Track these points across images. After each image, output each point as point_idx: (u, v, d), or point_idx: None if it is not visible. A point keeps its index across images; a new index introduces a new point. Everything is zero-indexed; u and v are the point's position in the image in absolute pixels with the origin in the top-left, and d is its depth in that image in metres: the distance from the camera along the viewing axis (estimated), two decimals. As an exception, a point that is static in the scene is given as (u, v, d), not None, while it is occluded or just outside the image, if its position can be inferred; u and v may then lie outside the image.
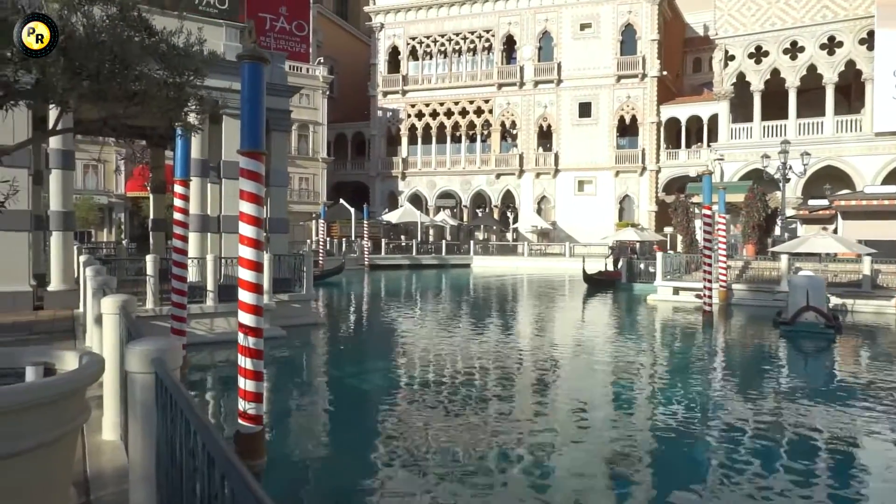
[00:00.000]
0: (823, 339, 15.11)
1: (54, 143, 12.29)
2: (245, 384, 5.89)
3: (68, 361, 3.23)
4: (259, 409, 5.96)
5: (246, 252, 5.86)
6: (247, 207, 5.83)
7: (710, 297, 17.97)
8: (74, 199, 18.47)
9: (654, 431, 8.69)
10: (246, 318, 5.91)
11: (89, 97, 3.01)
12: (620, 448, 8.00)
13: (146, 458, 2.68)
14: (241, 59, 5.68)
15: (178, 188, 10.13)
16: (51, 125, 12.42)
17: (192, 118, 4.82)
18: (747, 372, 12.88)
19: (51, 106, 11.63)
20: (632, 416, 9.46)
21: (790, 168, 23.86)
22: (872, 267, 19.48)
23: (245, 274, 5.87)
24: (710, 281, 18.05)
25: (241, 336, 5.92)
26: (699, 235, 28.78)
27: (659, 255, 23.08)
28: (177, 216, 10.18)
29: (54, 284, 12.47)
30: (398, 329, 18.20)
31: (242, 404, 5.91)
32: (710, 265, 18.12)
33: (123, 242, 28.08)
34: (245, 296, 5.89)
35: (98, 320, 6.52)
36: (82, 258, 11.79)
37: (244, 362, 5.91)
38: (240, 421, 5.94)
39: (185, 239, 10.27)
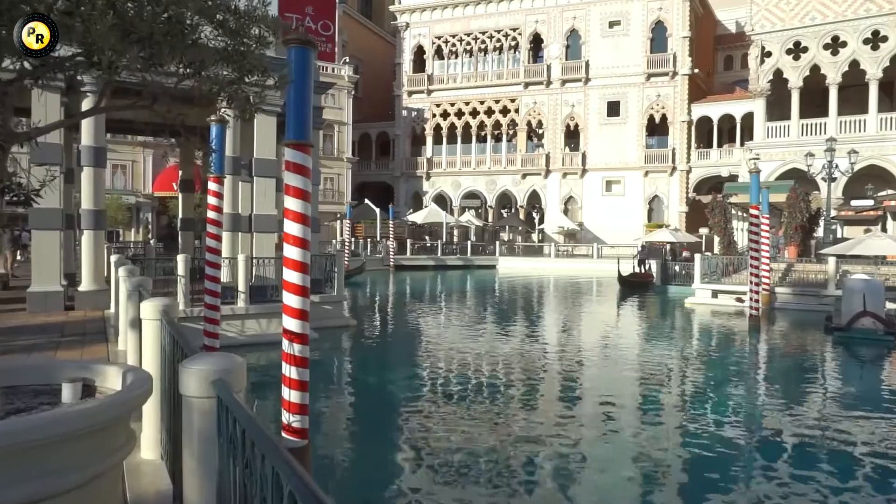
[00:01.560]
0: (882, 346, 14.28)
1: (86, 139, 12.06)
2: (290, 395, 5.43)
3: (110, 378, 2.80)
4: (304, 422, 5.49)
5: (292, 252, 5.40)
6: (293, 204, 5.38)
7: (757, 300, 17.19)
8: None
9: (708, 445, 8.08)
10: (291, 324, 5.45)
11: (141, 64, 2.61)
12: (670, 465, 7.43)
13: (204, 500, 2.22)
14: (288, 43, 5.25)
15: (212, 185, 9.76)
16: (83, 121, 12.20)
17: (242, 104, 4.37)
18: (802, 381, 12.16)
19: (87, 85, 11.36)
20: (685, 429, 8.84)
21: (836, 167, 22.88)
22: (928, 270, 18.53)
23: (291, 276, 5.42)
24: (757, 284, 17.27)
25: (285, 343, 5.47)
26: (737, 237, 28.00)
27: (697, 256, 22.29)
28: (211, 214, 9.81)
29: (85, 284, 12.24)
30: (429, 332, 17.75)
31: (287, 416, 5.45)
32: (757, 267, 17.33)
33: (151, 242, 28.08)
34: (290, 299, 5.44)
35: (134, 324, 6.15)
36: (113, 258, 11.52)
37: (289, 371, 5.45)
38: (283, 434, 5.49)
39: (218, 238, 9.91)
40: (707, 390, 11.05)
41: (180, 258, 12.12)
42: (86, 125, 12.02)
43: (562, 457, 7.64)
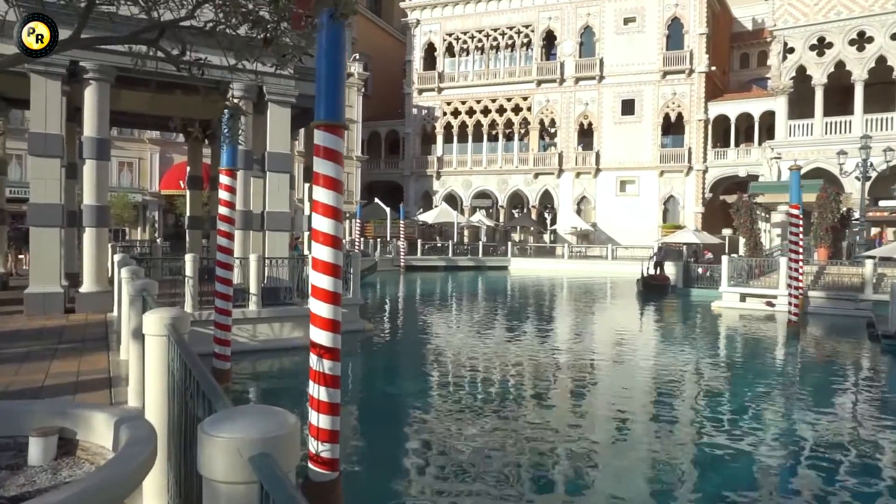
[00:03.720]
0: (935, 355, 13.39)
1: (89, 130, 11.30)
2: (318, 420, 4.64)
3: (97, 429, 1.99)
4: (335, 451, 4.70)
5: (322, 252, 4.61)
6: (323, 195, 4.59)
7: (797, 305, 16.26)
8: (109, 196, 17.68)
9: (758, 461, 7.25)
10: (320, 336, 4.66)
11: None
12: (726, 485, 6.59)
13: None
14: (320, 4, 4.47)
15: (223, 179, 8.97)
16: (85, 110, 11.43)
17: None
18: (857, 395, 11.27)
19: (89, 72, 10.52)
20: (734, 444, 7.99)
21: (871, 165, 21.93)
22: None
23: (320, 280, 4.62)
24: (798, 288, 16.34)
25: (313, 359, 4.68)
26: (764, 238, 27.09)
27: (725, 258, 21.38)
28: (222, 210, 9.02)
29: (87, 285, 11.47)
30: (446, 337, 16.91)
31: (314, 445, 4.66)
32: (797, 270, 16.41)
33: (158, 241, 27.42)
34: (319, 307, 4.64)
35: (137, 333, 5.35)
36: (117, 257, 10.76)
37: (317, 392, 4.66)
38: (311, 466, 4.70)
39: (231, 236, 9.13)
40: (756, 403, 10.19)
41: (188, 258, 11.35)
42: (89, 115, 11.26)
43: (608, 479, 6.82)
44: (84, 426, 1.98)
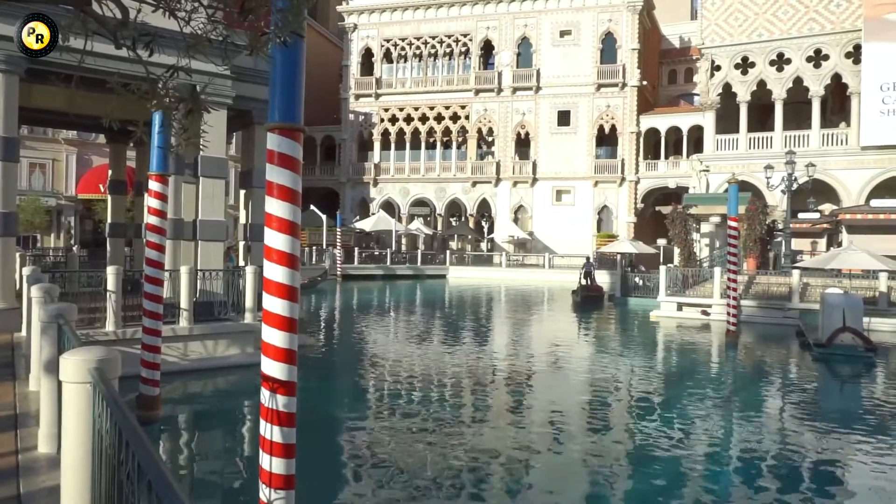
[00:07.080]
0: (862, 362, 13.96)
1: (-7, 128, 10.11)
2: (271, 464, 4.04)
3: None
4: (290, 499, 4.12)
5: (275, 272, 4.03)
6: (278, 207, 4.02)
7: (735, 315, 16.68)
8: (18, 200, 16.12)
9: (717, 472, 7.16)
10: (273, 368, 4.07)
11: None
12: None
13: None
14: (275, -10, 3.93)
15: (153, 185, 8.11)
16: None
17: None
18: (801, 403, 11.55)
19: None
20: (691, 457, 7.90)
21: (795, 179, 23.03)
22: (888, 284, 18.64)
23: (273, 304, 4.04)
24: (735, 298, 16.78)
25: (264, 394, 4.08)
26: (696, 248, 28.01)
27: (662, 268, 21.85)
28: (151, 220, 8.15)
29: (-10, 302, 10.24)
30: (392, 351, 16.34)
31: (266, 493, 4.07)
32: (735, 280, 16.85)
33: (74, 249, 25.46)
34: (273, 335, 4.06)
35: (49, 366, 4.60)
36: (26, 270, 9.63)
37: (269, 432, 4.07)
38: (261, 517, 4.09)
39: (161, 248, 8.27)
40: (711, 414, 10.21)
41: (110, 271, 10.32)
42: (-6, 111, 10.08)
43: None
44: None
